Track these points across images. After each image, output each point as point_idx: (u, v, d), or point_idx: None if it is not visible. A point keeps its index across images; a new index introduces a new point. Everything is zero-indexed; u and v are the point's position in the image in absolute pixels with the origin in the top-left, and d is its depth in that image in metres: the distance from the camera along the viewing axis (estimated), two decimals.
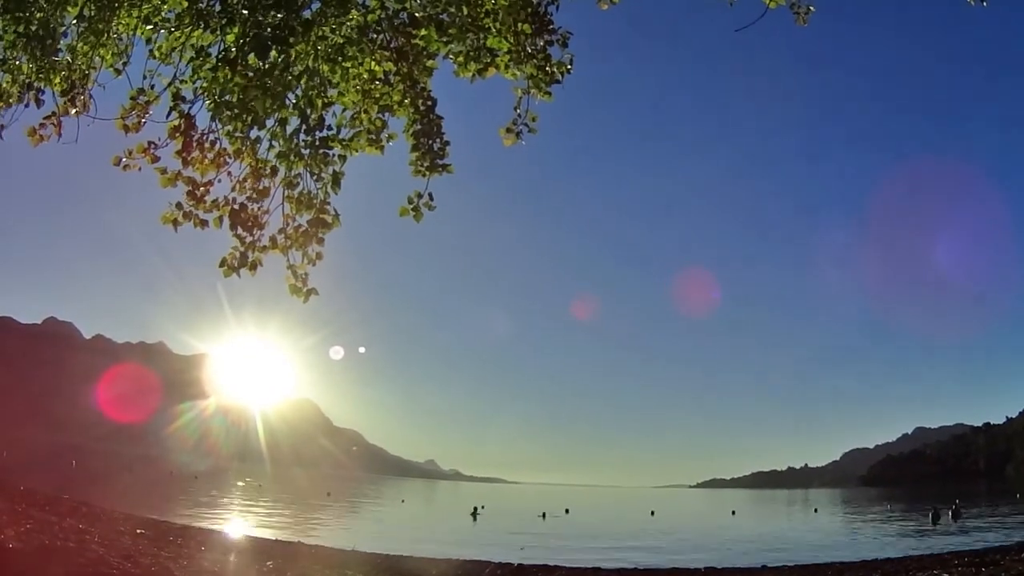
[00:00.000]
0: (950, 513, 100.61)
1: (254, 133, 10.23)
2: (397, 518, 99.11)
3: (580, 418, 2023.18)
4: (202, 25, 10.10)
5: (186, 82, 10.23)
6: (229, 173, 10.43)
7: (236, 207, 10.44)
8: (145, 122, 10.17)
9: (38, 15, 10.21)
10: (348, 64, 10.73)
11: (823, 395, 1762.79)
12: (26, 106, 10.69)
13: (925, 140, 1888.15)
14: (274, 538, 50.42)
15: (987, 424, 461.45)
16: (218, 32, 9.94)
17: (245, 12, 9.52)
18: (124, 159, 10.09)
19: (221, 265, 10.44)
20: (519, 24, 10.82)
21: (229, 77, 9.49)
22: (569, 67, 11.27)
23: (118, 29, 10.74)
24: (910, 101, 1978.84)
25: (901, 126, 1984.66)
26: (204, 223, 10.38)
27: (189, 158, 10.01)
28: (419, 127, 11.00)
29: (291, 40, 9.43)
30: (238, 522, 65.99)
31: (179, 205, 10.30)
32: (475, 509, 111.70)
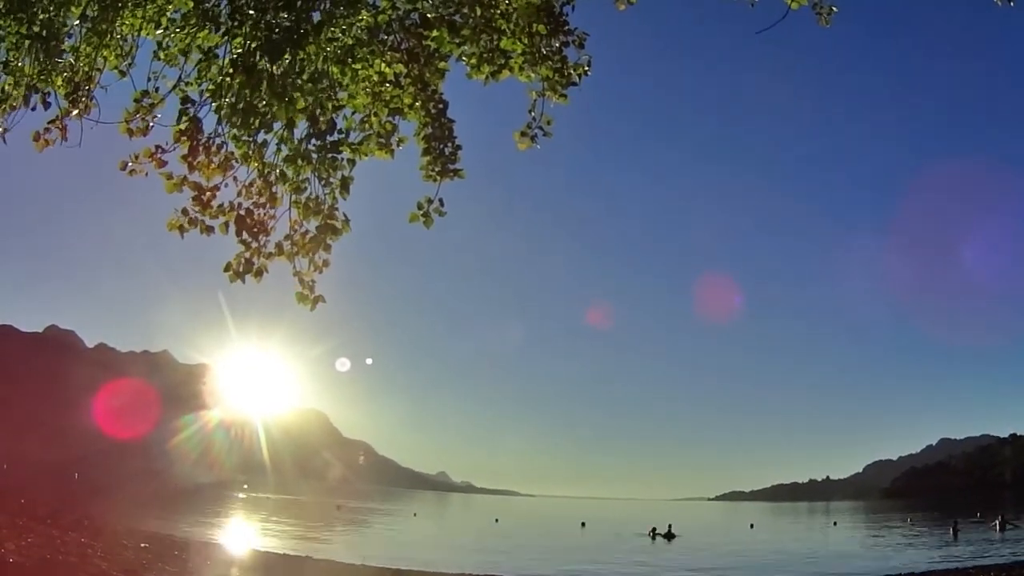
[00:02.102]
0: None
1: (261, 137, 10.21)
2: (408, 532, 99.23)
3: (596, 429, 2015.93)
4: (209, 26, 10.10)
5: (192, 84, 10.22)
6: (235, 178, 10.40)
7: (242, 212, 10.41)
8: (152, 126, 10.16)
9: (41, 16, 10.21)
10: (358, 66, 10.69)
11: (845, 405, 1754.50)
12: (32, 109, 10.69)
13: (951, 142, 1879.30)
14: (282, 552, 50.51)
15: (1014, 435, 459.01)
16: (226, 34, 9.93)
17: (253, 13, 9.50)
18: (130, 163, 10.08)
19: (226, 270, 10.39)
20: (534, 25, 10.80)
21: (242, 81, 9.46)
22: (586, 69, 11.24)
23: (122, 30, 10.74)
24: (937, 101, 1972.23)
25: (927, 127, 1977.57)
26: (210, 229, 10.36)
27: (195, 162, 9.99)
28: (430, 131, 10.98)
29: (302, 42, 9.41)
30: (244, 536, 66.09)
31: (185, 211, 10.28)
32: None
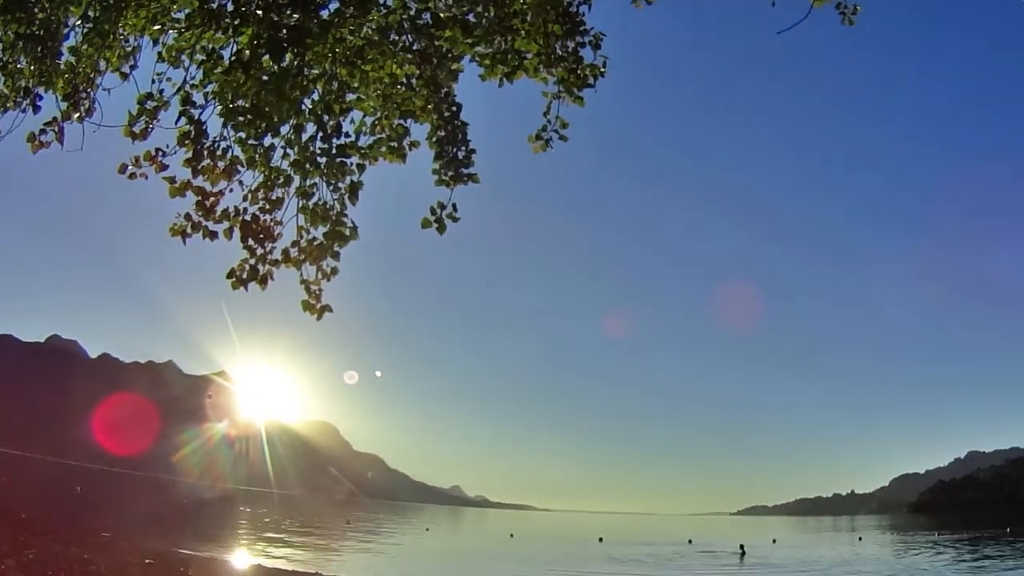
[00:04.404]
0: None
1: (268, 140, 10.18)
2: (421, 547, 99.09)
3: (613, 441, 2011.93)
4: (213, 26, 10.07)
5: (196, 86, 10.20)
6: (240, 182, 10.38)
7: (247, 218, 10.39)
8: (153, 129, 10.15)
9: (39, 15, 10.19)
10: (368, 67, 10.65)
11: (870, 417, 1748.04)
12: (23, 112, 10.67)
13: (984, 143, 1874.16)
14: (290, 568, 50.46)
15: None
16: (230, 33, 9.90)
17: (259, 12, 9.47)
18: (131, 167, 10.07)
19: (229, 276, 10.39)
20: (549, 25, 10.75)
21: (242, 81, 9.43)
22: (603, 70, 11.17)
23: (125, 30, 10.71)
24: (970, 100, 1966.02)
25: (959, 127, 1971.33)
26: (214, 235, 10.34)
27: (199, 167, 9.97)
28: (443, 134, 10.94)
29: (308, 42, 9.37)
30: (251, 552, 66.05)
31: (188, 216, 10.26)
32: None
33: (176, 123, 9.92)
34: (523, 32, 10.78)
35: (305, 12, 9.38)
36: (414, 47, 10.79)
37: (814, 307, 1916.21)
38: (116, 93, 11.01)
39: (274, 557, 61.63)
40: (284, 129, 10.19)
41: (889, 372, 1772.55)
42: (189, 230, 10.29)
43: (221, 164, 10.11)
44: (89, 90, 10.91)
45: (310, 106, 10.39)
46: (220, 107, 9.83)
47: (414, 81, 10.92)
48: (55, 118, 10.65)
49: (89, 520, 66.80)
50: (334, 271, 10.69)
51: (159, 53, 10.59)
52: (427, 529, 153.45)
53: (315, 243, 10.59)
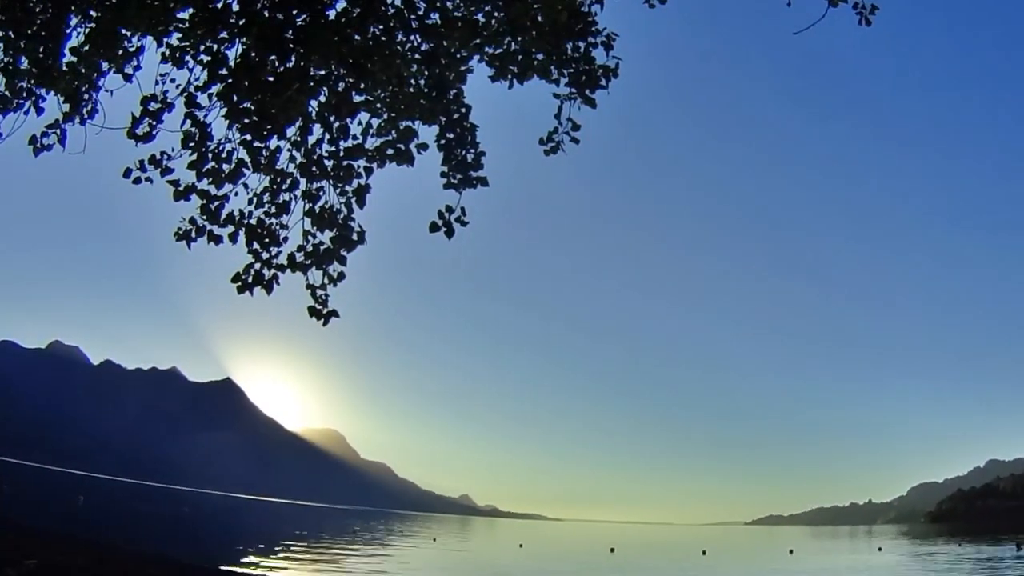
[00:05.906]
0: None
1: (273, 143, 10.18)
2: (427, 558, 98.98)
3: (626, 450, 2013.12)
4: (218, 26, 10.06)
5: (200, 87, 10.19)
6: (245, 185, 10.38)
7: (253, 222, 10.39)
8: (157, 132, 10.14)
9: (40, 15, 10.19)
10: (375, 68, 10.64)
11: (888, 426, 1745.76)
12: (26, 113, 10.67)
13: (1006, 139, 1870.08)
14: None
15: None
16: (235, 33, 9.89)
17: (264, 12, 9.46)
18: (135, 172, 10.08)
19: (234, 280, 10.38)
20: (559, 24, 10.72)
21: (247, 81, 9.42)
22: (615, 71, 11.15)
23: (127, 30, 10.70)
24: (998, 103, 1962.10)
25: (982, 127, 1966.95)
26: (219, 239, 10.35)
27: (203, 170, 9.96)
28: (451, 136, 10.92)
29: (313, 42, 9.36)
30: (257, 562, 66.02)
31: (192, 220, 10.27)
32: None
33: (181, 126, 9.92)
34: (533, 32, 10.76)
35: (311, 12, 9.37)
36: (422, 48, 10.78)
37: (829, 315, 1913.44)
38: (119, 95, 11.01)
39: (279, 567, 61.63)
40: (289, 131, 10.19)
41: (907, 380, 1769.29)
42: (194, 234, 10.30)
43: (226, 167, 10.11)
44: (91, 91, 10.92)
45: (316, 108, 10.38)
46: (225, 109, 9.82)
47: (422, 82, 10.91)
48: (57, 120, 10.67)
49: (92, 529, 66.77)
50: (341, 276, 10.68)
51: (162, 53, 10.58)
52: (434, 539, 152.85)
53: (322, 247, 10.59)
